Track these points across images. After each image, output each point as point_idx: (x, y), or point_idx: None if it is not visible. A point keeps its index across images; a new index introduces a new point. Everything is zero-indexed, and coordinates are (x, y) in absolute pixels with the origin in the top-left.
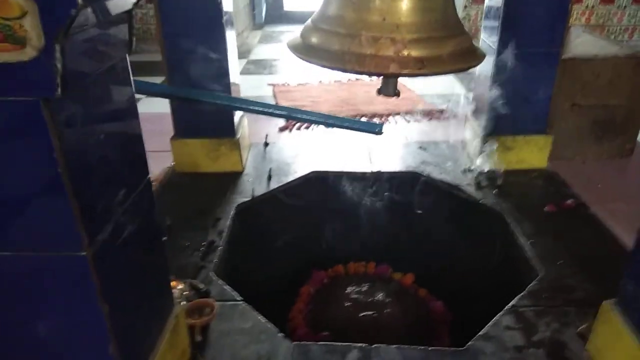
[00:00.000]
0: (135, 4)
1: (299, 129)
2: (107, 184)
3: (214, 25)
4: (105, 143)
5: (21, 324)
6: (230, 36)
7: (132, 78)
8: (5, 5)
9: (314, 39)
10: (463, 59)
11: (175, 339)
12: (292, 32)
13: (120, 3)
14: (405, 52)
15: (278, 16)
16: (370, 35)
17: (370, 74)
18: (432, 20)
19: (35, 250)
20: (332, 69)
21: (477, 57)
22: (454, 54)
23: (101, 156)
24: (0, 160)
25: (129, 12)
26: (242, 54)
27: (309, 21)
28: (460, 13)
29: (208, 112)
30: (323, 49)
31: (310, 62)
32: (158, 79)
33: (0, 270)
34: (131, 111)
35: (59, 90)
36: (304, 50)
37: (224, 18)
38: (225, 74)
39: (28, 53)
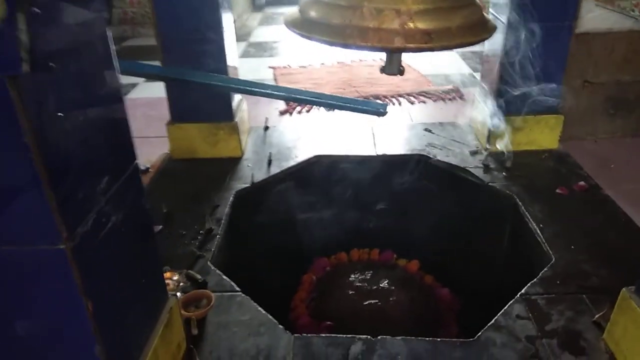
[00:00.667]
0: None
1: (300, 112)
2: (87, 172)
3: (209, 6)
4: (84, 127)
5: (1, 322)
6: (227, 17)
7: (115, 56)
8: None
9: (313, 13)
10: (473, 31)
11: (170, 334)
12: None
13: None
14: (411, 25)
15: None
16: (373, 7)
17: (373, 49)
18: None
19: (11, 244)
20: (332, 44)
21: (487, 29)
22: (464, 26)
23: (80, 141)
24: None
25: None
26: (242, 36)
27: None
28: None
29: (205, 96)
30: (323, 23)
31: (308, 37)
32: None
33: None
34: (114, 92)
35: (26, 66)
36: (302, 25)
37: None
38: (222, 56)
39: None
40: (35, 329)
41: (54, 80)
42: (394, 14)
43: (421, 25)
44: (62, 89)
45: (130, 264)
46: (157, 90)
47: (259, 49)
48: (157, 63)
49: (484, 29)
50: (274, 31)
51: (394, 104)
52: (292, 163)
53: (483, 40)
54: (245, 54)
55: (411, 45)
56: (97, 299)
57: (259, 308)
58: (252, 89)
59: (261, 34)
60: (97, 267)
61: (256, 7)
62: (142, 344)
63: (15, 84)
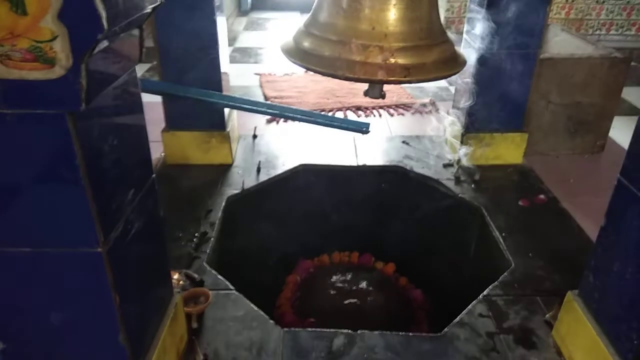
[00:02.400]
0: (147, 19)
1: (285, 121)
2: (119, 185)
3: (206, 10)
4: (117, 147)
5: (38, 315)
6: (221, 22)
7: (139, 83)
8: (37, 29)
9: (306, 44)
10: (446, 66)
11: (175, 326)
12: (278, 20)
13: (135, 21)
14: (392, 60)
15: (264, 2)
16: (360, 43)
17: (359, 80)
18: (418, 29)
19: (54, 247)
20: (324, 74)
21: (458, 64)
22: (438, 61)
23: (114, 160)
24: (29, 167)
25: (139, 27)
26: (228, 41)
27: (301, 25)
28: (444, 4)
29: (199, 106)
30: (315, 54)
31: (302, 66)
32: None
33: (21, 264)
34: (139, 116)
35: (83, 104)
36: (297, 54)
37: (216, 3)
38: (217, 62)
39: (57, 72)
40: (70, 320)
41: (98, 113)
42: (378, 50)
43: (401, 60)
44: (102, 118)
45: (147, 264)
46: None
47: (245, 55)
48: (154, 63)
49: (455, 64)
50: (259, 37)
51: (374, 115)
52: (279, 171)
53: (455, 73)
54: (231, 59)
55: (392, 78)
56: (122, 293)
57: (252, 305)
58: (252, 107)
59: (246, 39)
60: (123, 266)
61: (242, 11)
62: (154, 334)
63: (73, 118)
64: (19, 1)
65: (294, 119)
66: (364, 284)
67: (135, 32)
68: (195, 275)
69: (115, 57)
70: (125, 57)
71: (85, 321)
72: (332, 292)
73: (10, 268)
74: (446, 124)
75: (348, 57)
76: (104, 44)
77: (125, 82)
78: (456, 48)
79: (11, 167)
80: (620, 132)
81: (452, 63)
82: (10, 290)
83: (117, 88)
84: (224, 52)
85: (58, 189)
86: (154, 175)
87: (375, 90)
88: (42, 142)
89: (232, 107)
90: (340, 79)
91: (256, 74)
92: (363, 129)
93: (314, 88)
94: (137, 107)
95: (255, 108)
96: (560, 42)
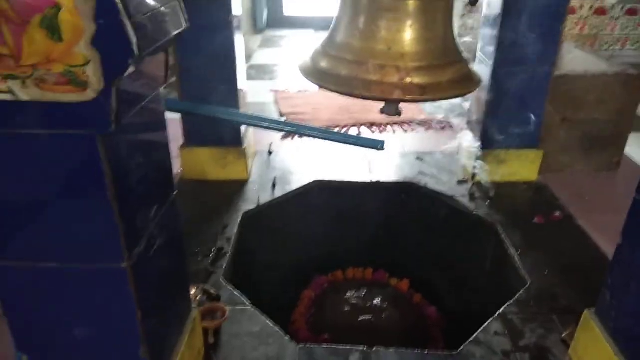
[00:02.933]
0: (172, 44)
1: (300, 137)
2: (144, 202)
3: (225, 29)
4: (143, 165)
5: (63, 329)
6: (239, 41)
7: (163, 103)
8: (71, 54)
9: (324, 64)
10: (461, 85)
11: (193, 340)
12: (292, 37)
13: (162, 46)
14: (409, 80)
15: (278, 20)
16: (377, 63)
17: (375, 99)
18: (434, 49)
19: (80, 262)
20: (341, 93)
21: (474, 83)
22: (453, 80)
23: (140, 178)
24: (58, 184)
25: (165, 50)
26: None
27: (319, 46)
28: (457, 21)
29: (217, 123)
30: (332, 74)
31: (320, 86)
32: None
33: (48, 279)
34: (163, 134)
35: (114, 125)
36: (315, 74)
37: (234, 23)
38: (234, 80)
39: (88, 95)
40: (93, 334)
41: (126, 133)
42: (394, 70)
43: (417, 80)
44: (129, 138)
45: (168, 279)
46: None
47: (260, 72)
48: (173, 80)
49: (470, 83)
50: (274, 54)
51: (388, 131)
52: (294, 187)
53: (470, 92)
54: (247, 77)
55: (408, 98)
56: (144, 308)
57: (268, 321)
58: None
59: (261, 56)
60: (146, 281)
61: (257, 29)
62: (172, 348)
63: (104, 139)
64: (55, 28)
65: (310, 136)
66: (378, 301)
67: (162, 55)
68: (212, 291)
69: (143, 79)
70: (152, 78)
71: (108, 336)
72: (346, 308)
73: (38, 283)
74: (460, 141)
75: (365, 76)
76: (133, 67)
77: (151, 102)
78: (470, 67)
79: (41, 184)
80: (637, 149)
81: (467, 82)
82: (36, 304)
83: (143, 108)
84: (242, 70)
85: (86, 206)
86: (175, 192)
87: (392, 107)
88: (72, 161)
89: (251, 125)
90: (357, 97)
91: (272, 90)
92: (378, 146)
93: (328, 104)
94: (162, 126)
95: (272, 126)
96: (574, 60)
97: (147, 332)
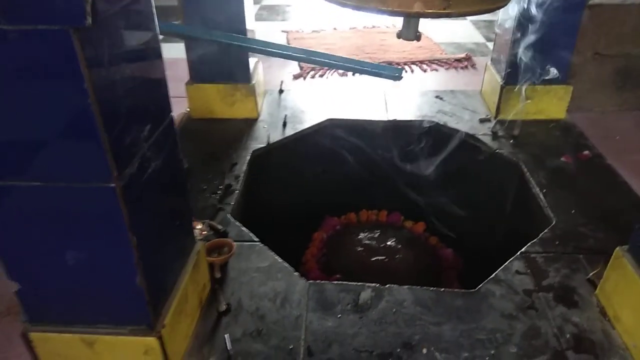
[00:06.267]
0: None
1: (313, 77)
2: (133, 118)
3: None
4: (130, 77)
5: (52, 254)
6: None
7: (155, 14)
8: None
9: None
10: None
11: (197, 274)
12: None
13: None
14: None
15: None
16: None
17: (392, 14)
18: None
19: (65, 181)
20: (354, 8)
21: None
22: None
23: (127, 90)
24: (33, 92)
25: None
26: None
27: None
28: None
29: (223, 57)
30: None
31: (331, 1)
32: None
33: (31, 199)
34: (155, 48)
35: (89, 19)
36: None
37: None
38: (242, 18)
39: None
40: (85, 259)
41: (108, 34)
42: None
43: None
44: (112, 42)
45: (167, 207)
46: (172, 51)
47: (272, 12)
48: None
49: None
50: None
51: (406, 71)
52: (306, 125)
53: (499, 7)
54: (258, 17)
55: (430, 11)
56: (139, 234)
57: (276, 257)
58: (274, 50)
59: None
60: (141, 206)
61: None
62: (174, 280)
63: (79, 35)
64: None
65: (322, 64)
66: (392, 242)
67: None
68: (219, 226)
69: None
70: None
71: (101, 261)
72: (359, 249)
73: (20, 203)
74: (484, 77)
75: None
76: None
77: (138, 5)
78: None
79: (13, 90)
80: None
81: None
82: (21, 226)
83: (129, 10)
84: (249, 8)
85: (65, 115)
86: (172, 114)
87: (411, 29)
88: (46, 63)
89: (256, 51)
90: (371, 12)
91: (283, 31)
92: (396, 74)
93: (342, 45)
94: (152, 37)
95: (280, 52)
96: None
97: (143, 260)
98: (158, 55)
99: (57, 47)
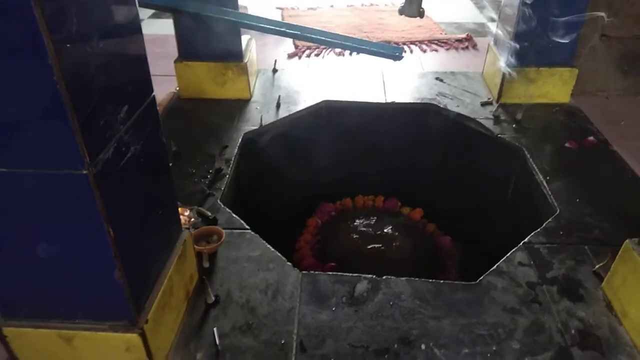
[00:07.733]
0: None
1: (309, 56)
2: (107, 98)
3: None
4: (104, 53)
5: (24, 247)
6: None
7: None
8: None
9: None
10: None
11: (183, 265)
12: None
13: None
14: None
15: None
16: None
17: None
18: None
19: (33, 167)
20: None
21: None
22: None
23: (100, 66)
24: None
25: None
26: None
27: None
28: None
29: (214, 34)
30: None
31: None
32: None
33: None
34: (133, 23)
35: None
36: None
37: None
38: None
39: None
40: (57, 252)
41: (76, 4)
42: None
43: None
44: (83, 13)
45: (148, 195)
46: (163, 27)
47: None
48: None
49: None
50: None
51: (405, 51)
52: (300, 107)
53: None
54: None
55: None
56: (117, 226)
57: (268, 245)
58: (266, 26)
59: None
60: (118, 195)
61: None
62: (158, 272)
63: (42, 4)
64: None
65: (319, 42)
66: (388, 229)
67: None
68: (208, 213)
69: None
70: None
71: (75, 255)
72: (354, 236)
73: None
74: (486, 58)
75: None
76: None
77: None
78: None
79: None
80: None
81: None
82: None
83: None
84: None
85: (30, 94)
86: (154, 94)
87: (413, 5)
88: (7, 36)
89: (249, 27)
90: None
91: (278, 8)
92: (396, 53)
93: (339, 23)
94: (130, 11)
95: (274, 28)
96: None
97: (122, 253)
98: (137, 29)
99: (17, 18)
